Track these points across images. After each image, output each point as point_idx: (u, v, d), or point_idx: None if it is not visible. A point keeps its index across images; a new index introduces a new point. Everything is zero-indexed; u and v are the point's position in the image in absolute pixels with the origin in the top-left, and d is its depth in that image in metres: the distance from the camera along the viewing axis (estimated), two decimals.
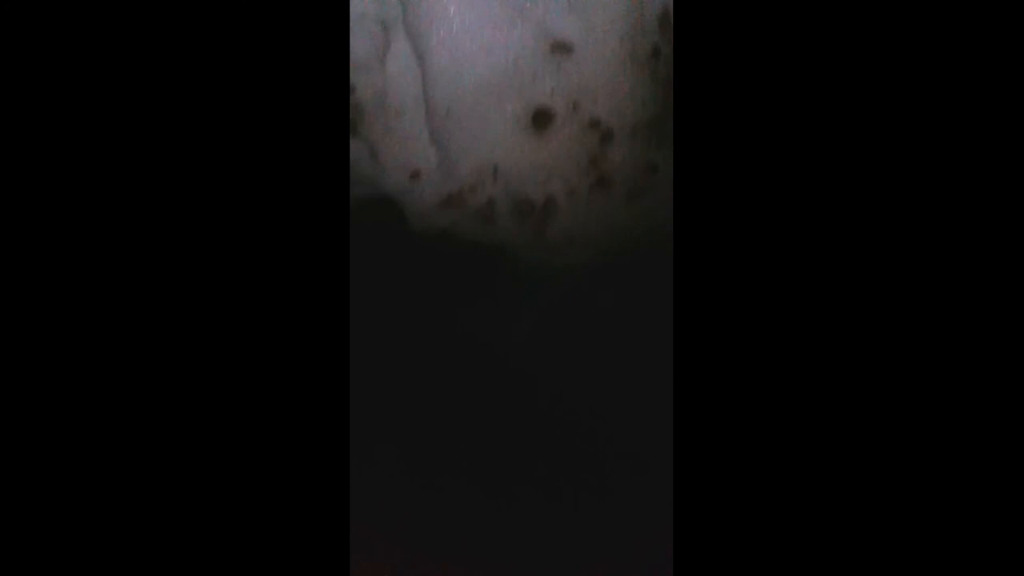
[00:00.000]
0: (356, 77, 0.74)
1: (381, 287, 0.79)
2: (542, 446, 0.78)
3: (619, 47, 0.73)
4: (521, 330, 0.81)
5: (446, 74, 0.73)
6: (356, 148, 0.75)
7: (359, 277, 0.65)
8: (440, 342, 0.81)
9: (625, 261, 0.78)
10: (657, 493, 0.65)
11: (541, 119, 0.73)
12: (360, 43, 0.74)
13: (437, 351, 0.81)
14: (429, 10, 0.72)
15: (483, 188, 0.75)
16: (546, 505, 0.76)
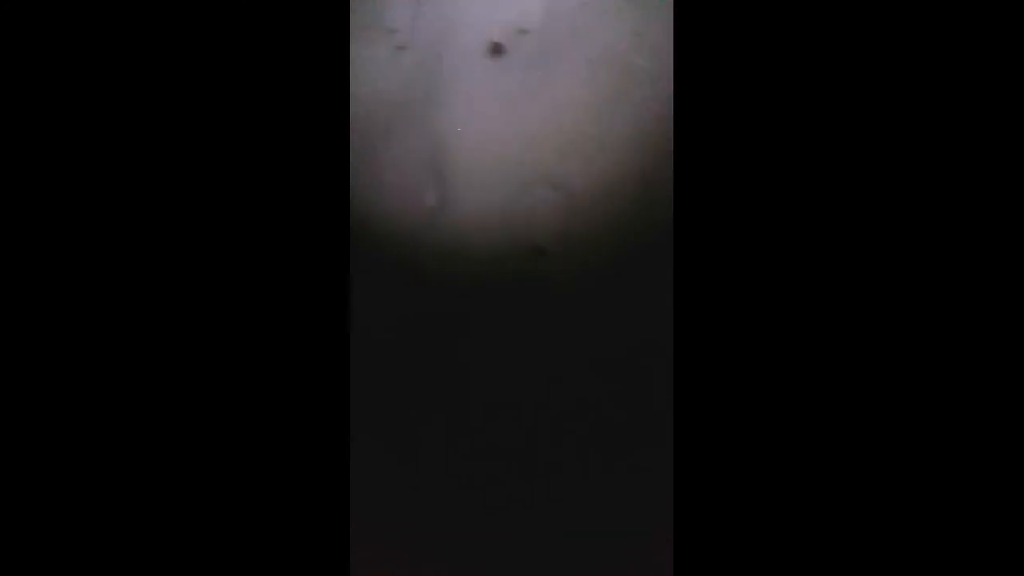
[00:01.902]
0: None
1: (379, 287, 0.79)
2: (541, 446, 0.78)
3: None
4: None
5: None
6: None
7: (358, 276, 0.65)
8: (439, 339, 0.81)
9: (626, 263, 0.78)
10: (657, 493, 0.65)
11: None
12: None
13: (436, 350, 0.81)
14: None
15: None
16: (546, 505, 0.76)
